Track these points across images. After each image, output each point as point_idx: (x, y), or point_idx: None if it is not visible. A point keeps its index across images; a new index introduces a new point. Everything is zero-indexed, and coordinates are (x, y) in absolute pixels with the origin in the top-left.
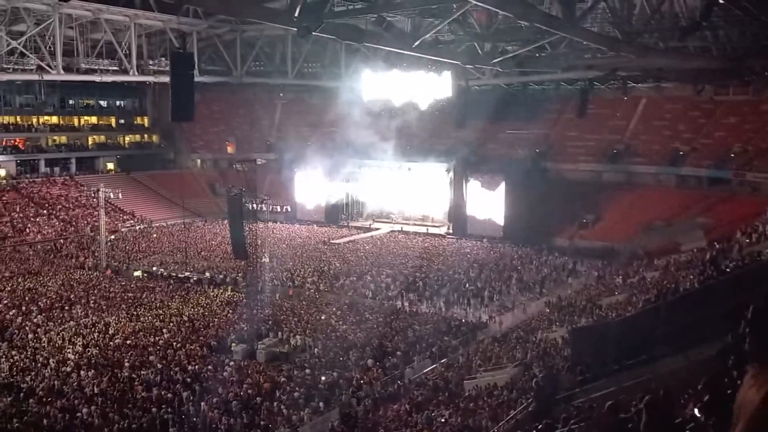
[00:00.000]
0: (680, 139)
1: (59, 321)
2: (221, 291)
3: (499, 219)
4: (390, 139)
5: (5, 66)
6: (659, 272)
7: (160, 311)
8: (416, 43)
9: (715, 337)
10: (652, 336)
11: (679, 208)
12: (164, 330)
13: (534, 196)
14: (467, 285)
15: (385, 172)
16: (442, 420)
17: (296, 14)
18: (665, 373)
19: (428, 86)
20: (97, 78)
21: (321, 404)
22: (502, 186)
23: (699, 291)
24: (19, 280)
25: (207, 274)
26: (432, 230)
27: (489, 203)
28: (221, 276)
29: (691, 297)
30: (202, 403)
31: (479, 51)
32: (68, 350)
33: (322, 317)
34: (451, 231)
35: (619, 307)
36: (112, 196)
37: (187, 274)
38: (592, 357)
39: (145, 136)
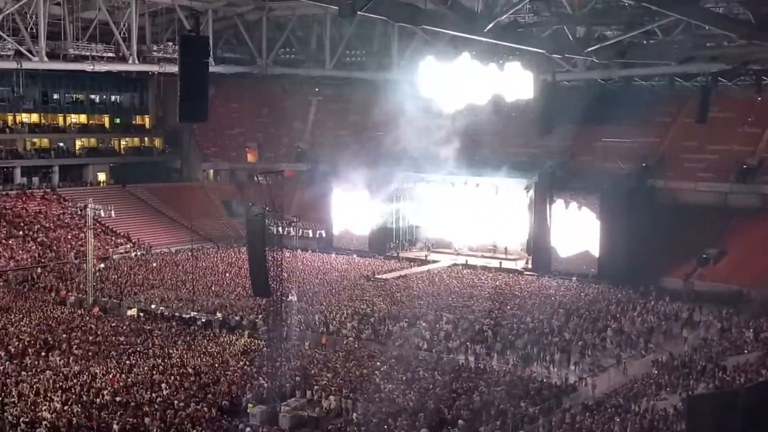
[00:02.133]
0: None
1: (33, 370)
2: (236, 337)
3: (593, 251)
4: (453, 148)
5: None
6: None
7: (159, 361)
8: (489, 26)
9: None
10: None
11: None
12: (163, 385)
13: (639, 223)
14: (551, 336)
15: (446, 190)
16: None
17: None
18: None
19: (503, 81)
20: (88, 67)
21: None
22: (598, 209)
23: None
24: None
25: (218, 315)
26: (506, 265)
27: (580, 231)
28: (236, 318)
29: None
30: None
31: (569, 37)
32: (43, 407)
33: (364, 373)
34: (530, 266)
35: (750, 369)
36: (102, 214)
37: (193, 314)
38: None
39: (146, 139)
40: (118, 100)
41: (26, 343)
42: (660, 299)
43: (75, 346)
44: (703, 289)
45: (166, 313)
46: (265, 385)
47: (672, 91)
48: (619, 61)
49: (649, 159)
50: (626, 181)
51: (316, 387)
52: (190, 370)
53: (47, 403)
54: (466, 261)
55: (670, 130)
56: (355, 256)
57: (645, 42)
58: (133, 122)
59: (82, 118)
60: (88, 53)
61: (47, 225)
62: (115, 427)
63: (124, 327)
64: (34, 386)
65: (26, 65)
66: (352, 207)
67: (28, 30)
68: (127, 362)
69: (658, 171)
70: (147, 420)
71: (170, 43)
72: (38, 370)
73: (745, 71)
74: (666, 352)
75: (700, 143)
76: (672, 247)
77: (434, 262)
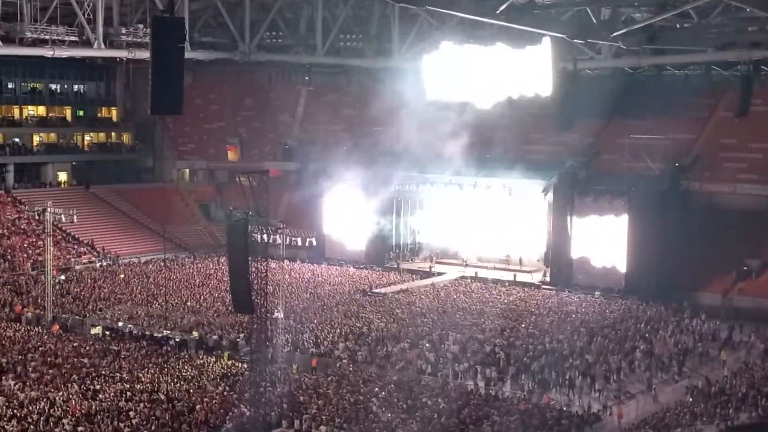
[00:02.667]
0: None
1: None
2: (214, 359)
3: (620, 263)
4: (461, 145)
5: None
6: None
7: (127, 386)
8: (502, 7)
9: None
10: None
11: None
12: (132, 413)
13: (671, 231)
14: (571, 359)
15: (452, 192)
16: None
17: None
18: None
19: (518, 69)
20: (47, 52)
21: None
22: (625, 215)
23: None
24: None
25: (194, 333)
26: (520, 278)
27: (605, 240)
28: (215, 337)
29: None
30: None
31: (593, 19)
32: None
33: (359, 400)
34: (548, 279)
35: None
36: (63, 219)
37: (166, 333)
38: None
39: (113, 134)
40: (81, 90)
41: None
42: (695, 317)
43: (31, 369)
44: (744, 306)
45: (135, 332)
46: (248, 413)
47: (709, 82)
48: (649, 48)
49: (683, 158)
50: (657, 183)
51: (305, 416)
52: (163, 397)
53: None
54: (476, 273)
55: (706, 125)
56: (349, 267)
57: (678, 26)
58: (99, 115)
59: (41, 111)
60: (47, 36)
61: (0, 231)
62: None
63: (88, 347)
64: None
65: None
66: (347, 212)
67: None
68: (91, 387)
69: (693, 171)
70: None
71: (141, 26)
72: None
73: None
74: (702, 377)
75: (740, 140)
76: (709, 257)
77: (439, 274)
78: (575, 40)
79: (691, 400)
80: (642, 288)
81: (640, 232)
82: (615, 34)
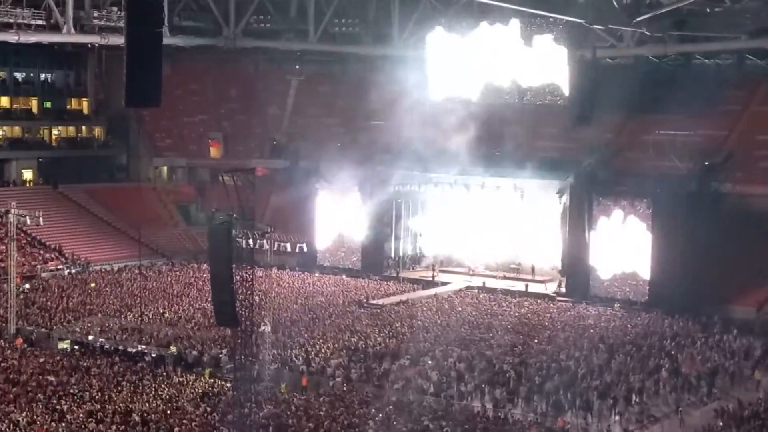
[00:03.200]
0: None
1: None
2: (194, 376)
3: (643, 272)
4: (467, 141)
5: None
6: None
7: (98, 406)
8: None
9: None
10: None
11: None
12: None
13: (700, 237)
14: (589, 378)
15: (458, 194)
16: None
17: None
18: None
19: (532, 59)
20: (12, 37)
21: None
22: (649, 219)
23: None
24: None
25: (173, 348)
26: (533, 288)
27: (626, 247)
28: (195, 352)
29: None
30: None
31: (614, 2)
32: None
33: (354, 423)
34: (563, 290)
35: None
36: (29, 221)
37: (141, 347)
38: None
39: (84, 128)
40: (49, 80)
41: None
42: (726, 332)
43: None
44: None
45: (107, 347)
46: None
47: (742, 72)
48: (675, 34)
49: (713, 156)
50: (684, 183)
51: None
52: (137, 419)
53: None
54: (484, 283)
55: (739, 120)
56: (344, 276)
57: (709, 10)
58: (68, 107)
59: (4, 102)
60: (11, 20)
61: None
62: None
63: (55, 363)
64: None
65: None
66: (341, 215)
67: None
68: (58, 408)
69: (725, 171)
70: None
71: (115, 9)
72: None
73: None
74: (733, 399)
75: None
76: (741, 267)
77: (443, 284)
78: (594, 26)
79: (721, 424)
80: (667, 300)
81: (665, 238)
82: (638, 19)
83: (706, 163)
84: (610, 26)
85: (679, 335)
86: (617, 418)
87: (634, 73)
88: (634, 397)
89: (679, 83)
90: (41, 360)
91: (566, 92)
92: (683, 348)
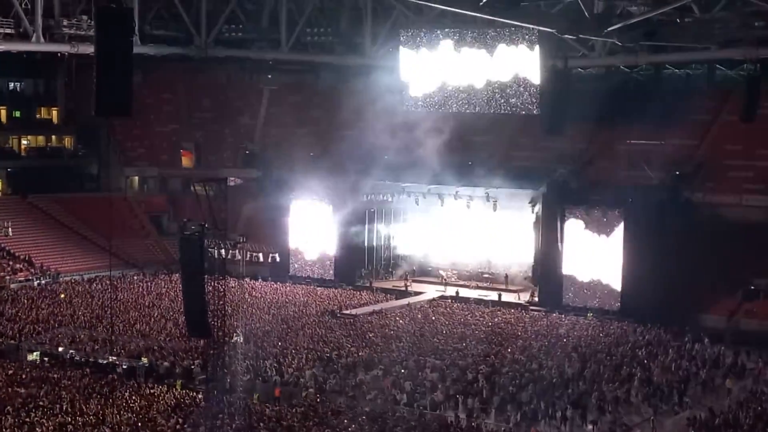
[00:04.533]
0: None
1: None
2: (166, 388)
3: (615, 282)
4: (440, 150)
5: None
6: None
7: (69, 418)
8: None
9: None
10: None
11: None
12: None
13: (671, 247)
14: (562, 387)
15: (431, 204)
16: None
17: None
18: None
19: (504, 69)
20: None
21: None
22: (621, 229)
23: None
24: None
25: (144, 360)
26: (506, 297)
27: (599, 257)
28: (167, 364)
29: None
30: None
31: (585, 13)
32: None
33: None
34: (536, 299)
35: None
36: None
37: (112, 359)
38: None
39: (54, 138)
40: (17, 89)
41: None
42: (698, 341)
43: None
44: (751, 329)
45: (78, 358)
46: None
47: (712, 82)
48: (646, 44)
49: (684, 166)
50: (656, 193)
51: None
52: (108, 430)
53: None
54: (457, 293)
55: (710, 130)
56: (317, 286)
57: (679, 20)
58: (37, 116)
59: None
60: None
61: None
62: None
63: (24, 375)
64: None
65: None
66: (314, 225)
67: None
68: (27, 420)
69: (696, 181)
70: None
71: (85, 17)
72: None
73: None
74: (705, 408)
75: (746, 147)
76: (712, 276)
77: (416, 293)
78: (566, 36)
79: None
80: (639, 309)
81: (637, 247)
82: (609, 29)
83: (677, 173)
84: (581, 36)
85: (651, 344)
86: (590, 427)
87: (605, 83)
88: (607, 406)
89: (651, 93)
90: (10, 372)
91: (539, 102)
92: (655, 357)
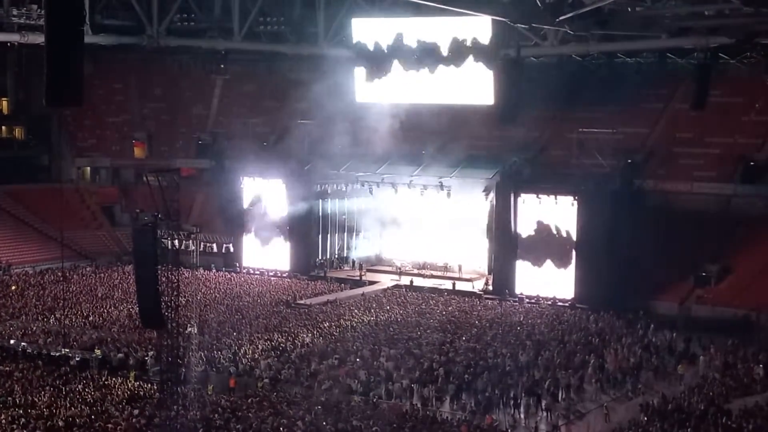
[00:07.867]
0: None
1: None
2: (120, 380)
3: (569, 270)
4: (393, 139)
5: None
6: None
7: (20, 411)
8: None
9: None
10: None
11: None
12: None
13: (623, 234)
14: (516, 375)
15: (385, 193)
16: None
17: None
18: None
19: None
20: None
21: None
22: (573, 216)
23: None
24: None
25: (97, 351)
26: (460, 286)
27: (552, 245)
28: (120, 355)
29: None
30: None
31: (537, 1)
32: None
33: (282, 423)
34: (490, 288)
35: (760, 414)
36: None
37: (65, 351)
38: None
39: (4, 129)
40: None
41: None
42: (650, 328)
43: None
44: (703, 315)
45: (30, 350)
46: None
47: (663, 70)
48: (598, 33)
49: (636, 154)
50: (608, 181)
51: None
52: (61, 423)
53: None
54: (411, 282)
55: (660, 118)
56: (271, 276)
57: (630, 9)
58: None
59: None
60: None
61: None
62: None
63: None
64: None
65: None
66: (269, 214)
67: None
68: None
69: (647, 169)
70: None
71: (35, 6)
72: None
73: (752, 46)
74: (658, 394)
75: (697, 134)
76: (664, 263)
77: (371, 283)
78: (518, 25)
79: (645, 419)
80: (592, 297)
81: (589, 235)
82: (561, 18)
83: (629, 161)
84: (533, 25)
85: (604, 331)
86: (544, 414)
87: (557, 72)
88: (560, 393)
89: (602, 82)
90: None
91: (492, 91)
92: (608, 344)
